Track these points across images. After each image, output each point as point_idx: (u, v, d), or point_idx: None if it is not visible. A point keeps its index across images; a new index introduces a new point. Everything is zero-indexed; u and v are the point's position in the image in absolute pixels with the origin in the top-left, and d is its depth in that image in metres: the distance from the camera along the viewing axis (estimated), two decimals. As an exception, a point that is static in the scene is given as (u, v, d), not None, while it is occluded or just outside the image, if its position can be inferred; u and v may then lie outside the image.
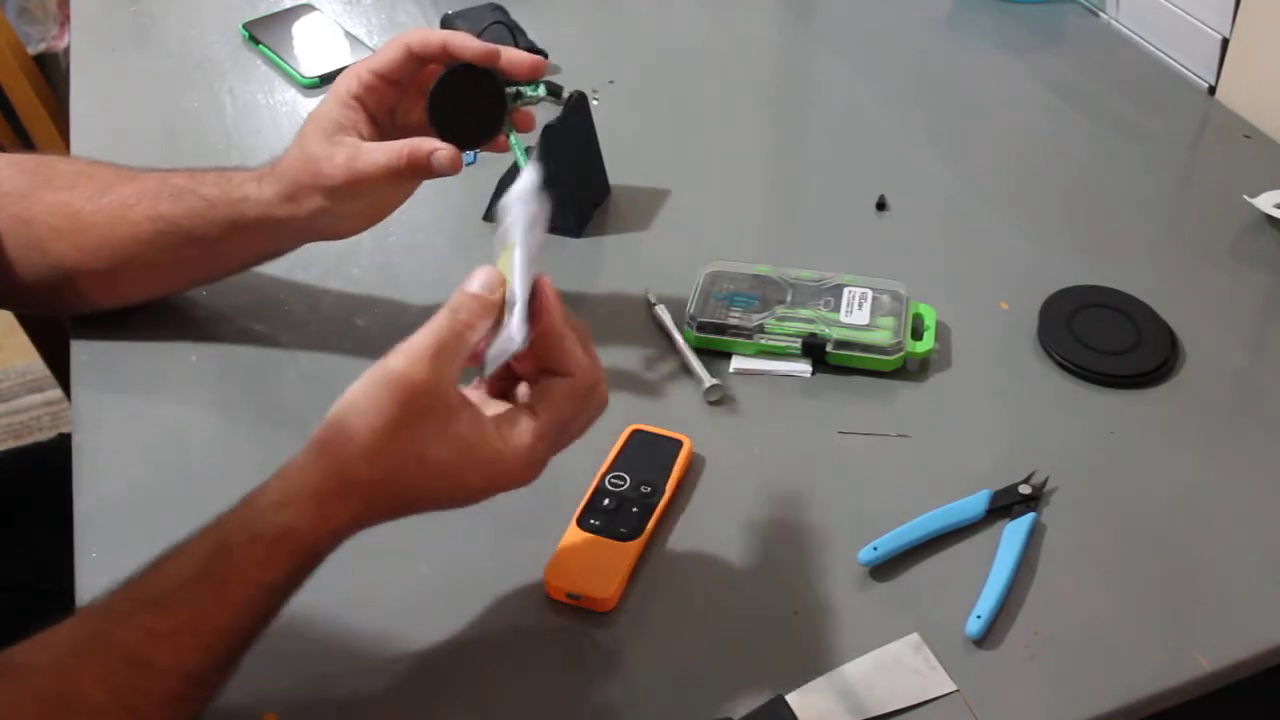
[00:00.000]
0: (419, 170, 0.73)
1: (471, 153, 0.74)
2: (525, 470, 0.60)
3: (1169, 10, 1.18)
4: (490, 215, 0.98)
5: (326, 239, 0.81)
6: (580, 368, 0.62)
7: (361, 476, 0.57)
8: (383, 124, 0.77)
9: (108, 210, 0.79)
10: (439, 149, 0.73)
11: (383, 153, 0.73)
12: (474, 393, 0.64)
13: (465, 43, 0.74)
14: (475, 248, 0.95)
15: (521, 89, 0.77)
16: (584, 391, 0.62)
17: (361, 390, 0.57)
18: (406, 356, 0.57)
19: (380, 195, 0.78)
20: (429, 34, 0.75)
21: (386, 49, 0.76)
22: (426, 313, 0.86)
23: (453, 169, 0.73)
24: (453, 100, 0.74)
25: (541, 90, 0.77)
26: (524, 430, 0.60)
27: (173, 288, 0.85)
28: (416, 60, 0.75)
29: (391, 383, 0.57)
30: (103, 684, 0.54)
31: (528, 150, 0.96)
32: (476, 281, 0.61)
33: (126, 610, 0.56)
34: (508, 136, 0.77)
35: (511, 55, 0.75)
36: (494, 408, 0.62)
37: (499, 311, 0.61)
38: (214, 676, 0.57)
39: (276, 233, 0.79)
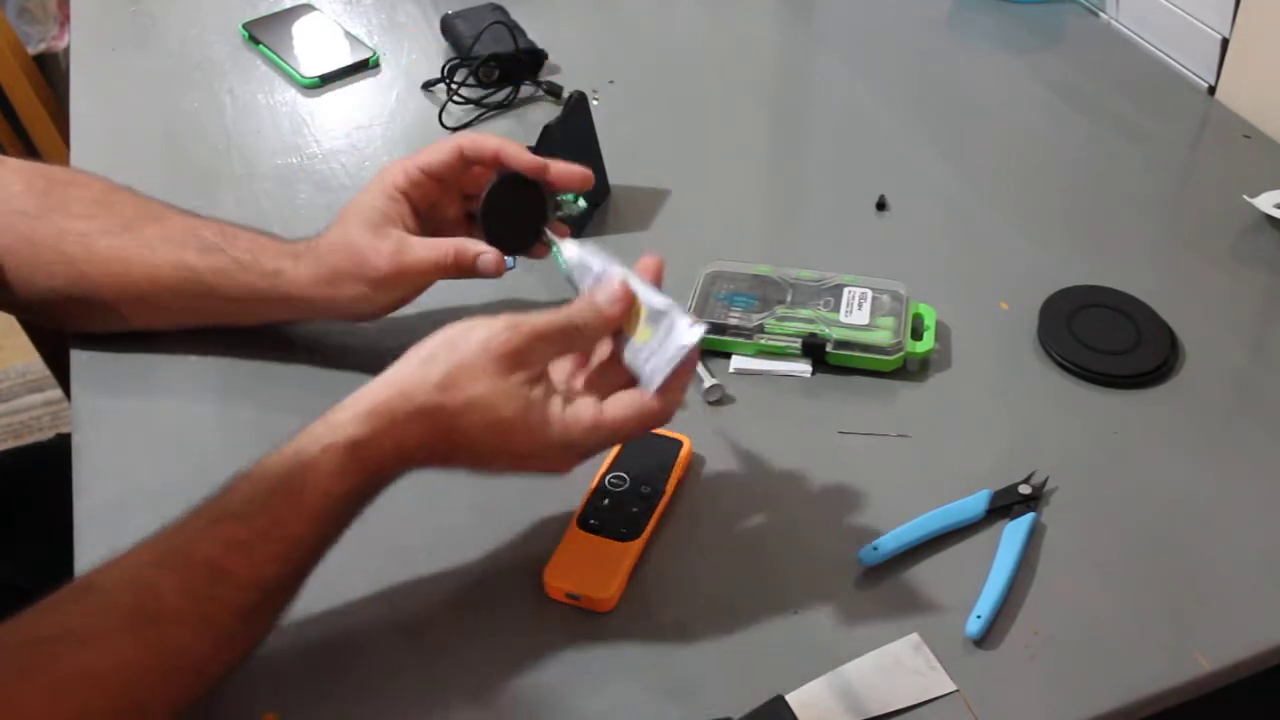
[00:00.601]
0: (464, 270, 0.76)
1: (511, 257, 0.76)
2: (564, 453, 0.63)
3: (1169, 10, 1.18)
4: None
5: (353, 320, 0.82)
6: (670, 392, 0.64)
7: (433, 402, 0.61)
8: (423, 215, 0.79)
9: (125, 248, 0.79)
10: (485, 253, 0.75)
11: (430, 250, 0.75)
12: (565, 364, 0.66)
13: (517, 153, 0.77)
14: (475, 248, 0.95)
15: (560, 199, 0.79)
16: (654, 417, 0.64)
17: (462, 335, 0.62)
18: (511, 326, 0.62)
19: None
20: (482, 141, 0.77)
21: (438, 149, 0.77)
22: (426, 312, 0.87)
23: (497, 273, 0.76)
24: (501, 207, 0.76)
25: (581, 202, 0.80)
26: (583, 419, 0.62)
27: (177, 325, 0.84)
28: (465, 162, 0.78)
29: (488, 341, 0.61)
30: (183, 593, 0.58)
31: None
32: (603, 294, 0.65)
33: (205, 523, 0.59)
34: (549, 246, 0.77)
35: (560, 168, 0.77)
36: (564, 376, 0.65)
37: (616, 326, 0.65)
38: (281, 593, 0.61)
39: (306, 309, 0.80)
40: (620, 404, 0.63)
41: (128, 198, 0.83)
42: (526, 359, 0.62)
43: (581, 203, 0.79)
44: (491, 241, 0.76)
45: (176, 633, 0.57)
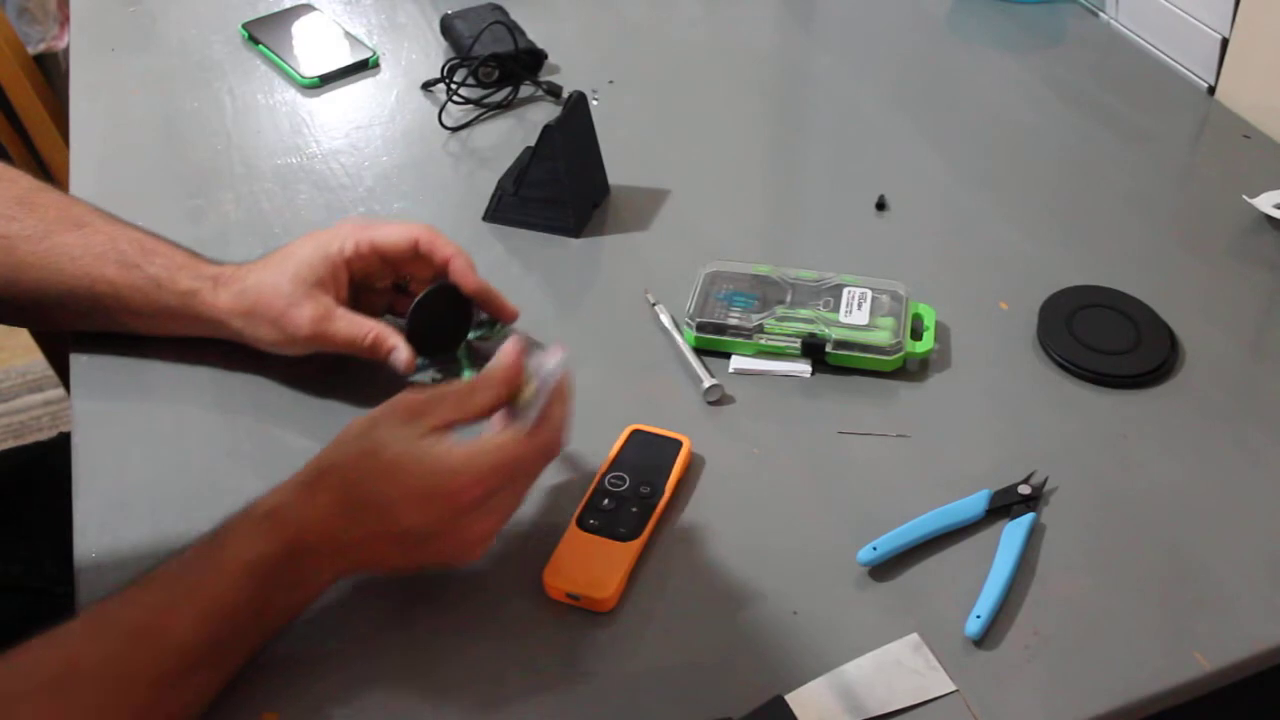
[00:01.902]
0: (375, 356, 0.78)
1: (421, 359, 0.81)
2: (462, 485, 0.62)
3: (1169, 10, 1.18)
4: (489, 215, 0.98)
5: (263, 350, 0.82)
6: (547, 423, 0.65)
7: (334, 460, 0.63)
8: (356, 282, 0.80)
9: (45, 255, 0.79)
10: (399, 350, 0.77)
11: (351, 328, 0.77)
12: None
13: (464, 271, 0.79)
14: (475, 247, 0.95)
15: (484, 324, 0.82)
16: (532, 447, 0.65)
17: (377, 409, 0.65)
18: (415, 389, 0.65)
19: None
20: (439, 245, 0.79)
21: (395, 234, 0.79)
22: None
23: (405, 371, 0.78)
24: (431, 313, 0.79)
25: (508, 330, 0.82)
26: (473, 449, 0.63)
27: (101, 330, 0.84)
28: (416, 254, 0.79)
29: (393, 401, 0.64)
30: (100, 659, 0.57)
31: (527, 151, 0.97)
32: (496, 359, 0.67)
33: (128, 590, 0.60)
34: (459, 362, 0.80)
35: (497, 299, 0.80)
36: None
37: (510, 385, 0.66)
38: (205, 665, 0.59)
39: (222, 332, 0.80)
40: (505, 433, 0.65)
41: (52, 199, 0.83)
42: (424, 412, 0.63)
43: (507, 331, 0.82)
44: (410, 337, 0.77)
45: (92, 696, 0.56)
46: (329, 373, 0.82)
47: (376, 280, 0.82)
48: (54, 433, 1.82)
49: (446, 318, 0.80)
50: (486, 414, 0.66)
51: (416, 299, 0.78)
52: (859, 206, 1.00)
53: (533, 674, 0.65)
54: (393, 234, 0.79)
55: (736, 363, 0.84)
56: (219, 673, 0.61)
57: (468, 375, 0.80)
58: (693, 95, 1.17)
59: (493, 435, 0.64)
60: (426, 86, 1.15)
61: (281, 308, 0.76)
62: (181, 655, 0.58)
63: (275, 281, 0.77)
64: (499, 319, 0.82)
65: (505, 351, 0.67)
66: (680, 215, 1.00)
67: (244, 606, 0.60)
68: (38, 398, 2.07)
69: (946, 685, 0.64)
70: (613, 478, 0.74)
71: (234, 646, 0.61)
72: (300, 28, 1.24)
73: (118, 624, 0.59)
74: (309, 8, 1.27)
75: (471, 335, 0.81)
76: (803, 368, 0.84)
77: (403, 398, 0.64)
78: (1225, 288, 0.92)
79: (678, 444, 0.76)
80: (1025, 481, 0.74)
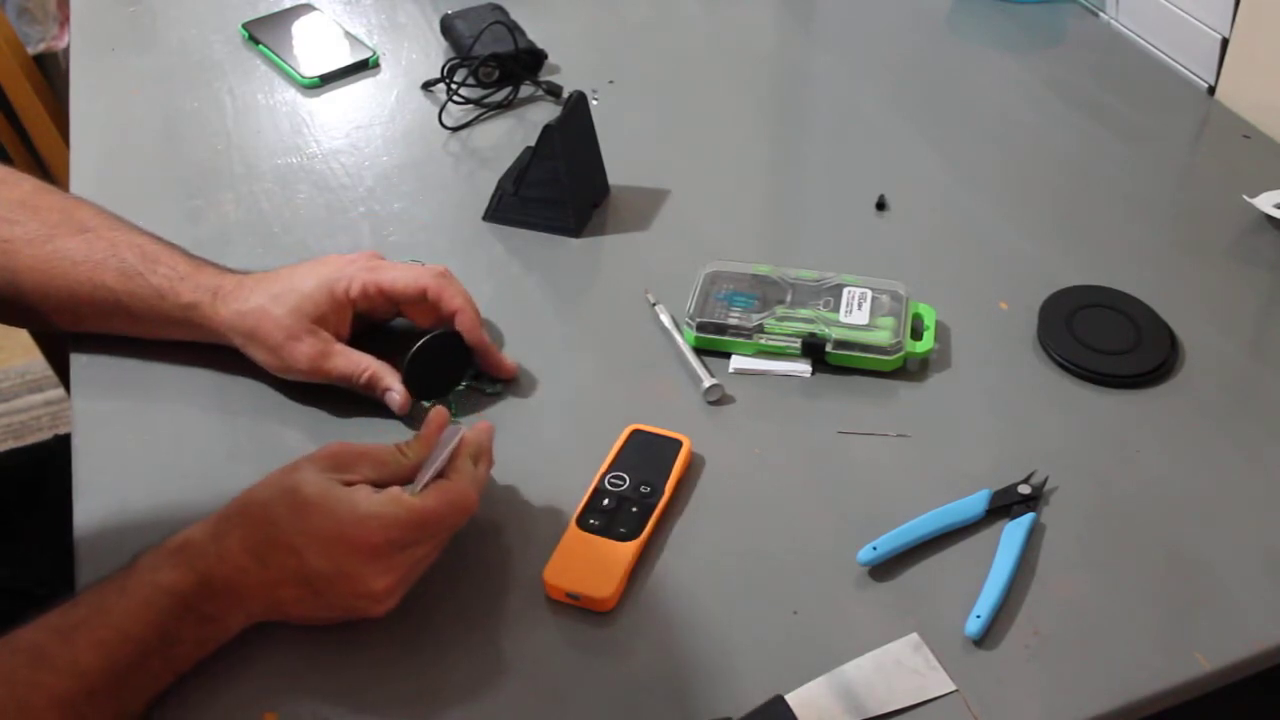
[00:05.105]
0: (370, 393, 0.78)
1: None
2: (368, 533, 0.62)
3: (1169, 10, 1.18)
4: (489, 215, 0.98)
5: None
6: (458, 474, 0.67)
7: (254, 496, 0.64)
8: (359, 314, 0.80)
9: (47, 260, 0.79)
10: (394, 391, 0.77)
11: (347, 364, 0.78)
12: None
13: (471, 326, 0.79)
14: (474, 247, 0.95)
15: (480, 376, 0.82)
16: (452, 498, 0.66)
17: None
18: (340, 442, 0.66)
19: None
20: (449, 296, 0.79)
21: (405, 279, 0.79)
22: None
23: (399, 413, 0.78)
24: (429, 358, 0.79)
25: (499, 388, 0.82)
26: (385, 498, 0.63)
27: (101, 332, 0.84)
28: (422, 299, 0.79)
29: (315, 452, 0.66)
30: (1, 679, 0.56)
31: (527, 151, 0.97)
32: (424, 426, 0.69)
33: (36, 616, 0.59)
34: (450, 406, 0.80)
35: (496, 353, 0.81)
36: None
37: (428, 448, 0.68)
38: (106, 693, 0.58)
39: (220, 340, 0.80)
40: (419, 493, 0.65)
41: (55, 202, 0.83)
42: (344, 464, 0.65)
43: (499, 388, 0.82)
44: (407, 380, 0.78)
45: None
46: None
47: (379, 317, 0.82)
48: (53, 433, 1.83)
49: (444, 363, 0.80)
50: (406, 478, 0.67)
51: (417, 344, 0.78)
52: (859, 206, 1.00)
53: (533, 674, 0.65)
54: (401, 279, 0.79)
55: (736, 363, 0.84)
56: (122, 702, 0.59)
57: (453, 420, 0.80)
58: (693, 95, 1.17)
59: (405, 492, 0.65)
60: (426, 86, 1.15)
61: (280, 340, 0.77)
62: (82, 679, 0.57)
63: (276, 313, 0.77)
64: (497, 376, 0.82)
65: (428, 421, 0.69)
66: (680, 215, 1.00)
67: (149, 634, 0.59)
68: (38, 398, 2.07)
69: (946, 685, 0.64)
70: (613, 478, 0.74)
71: (137, 675, 0.59)
72: (300, 28, 1.24)
73: (20, 645, 0.58)
74: (309, 8, 1.27)
75: (464, 384, 0.82)
76: (803, 368, 0.84)
77: (331, 446, 0.66)
78: (1225, 288, 0.92)
79: (678, 444, 0.76)
80: (1025, 481, 0.74)
